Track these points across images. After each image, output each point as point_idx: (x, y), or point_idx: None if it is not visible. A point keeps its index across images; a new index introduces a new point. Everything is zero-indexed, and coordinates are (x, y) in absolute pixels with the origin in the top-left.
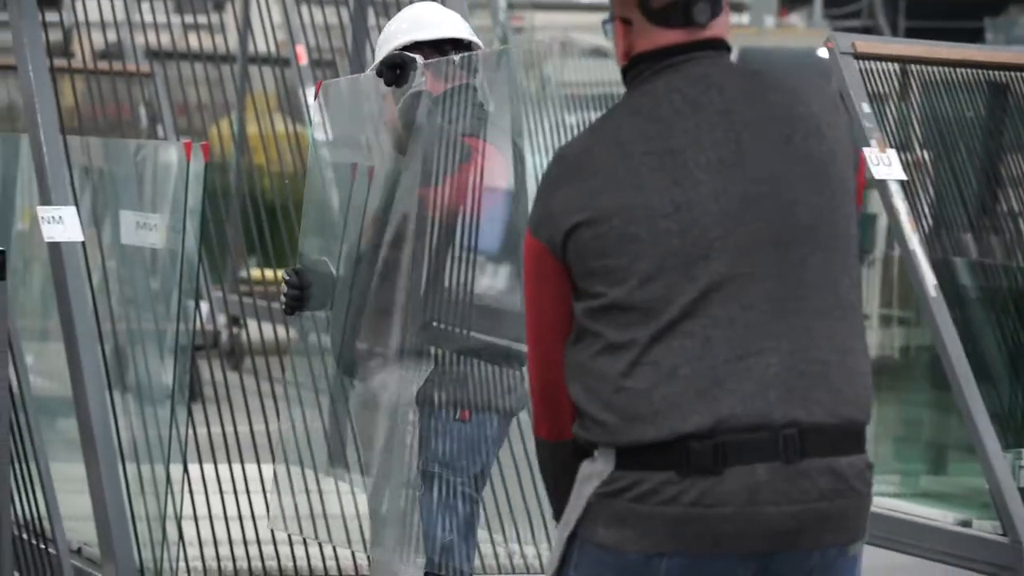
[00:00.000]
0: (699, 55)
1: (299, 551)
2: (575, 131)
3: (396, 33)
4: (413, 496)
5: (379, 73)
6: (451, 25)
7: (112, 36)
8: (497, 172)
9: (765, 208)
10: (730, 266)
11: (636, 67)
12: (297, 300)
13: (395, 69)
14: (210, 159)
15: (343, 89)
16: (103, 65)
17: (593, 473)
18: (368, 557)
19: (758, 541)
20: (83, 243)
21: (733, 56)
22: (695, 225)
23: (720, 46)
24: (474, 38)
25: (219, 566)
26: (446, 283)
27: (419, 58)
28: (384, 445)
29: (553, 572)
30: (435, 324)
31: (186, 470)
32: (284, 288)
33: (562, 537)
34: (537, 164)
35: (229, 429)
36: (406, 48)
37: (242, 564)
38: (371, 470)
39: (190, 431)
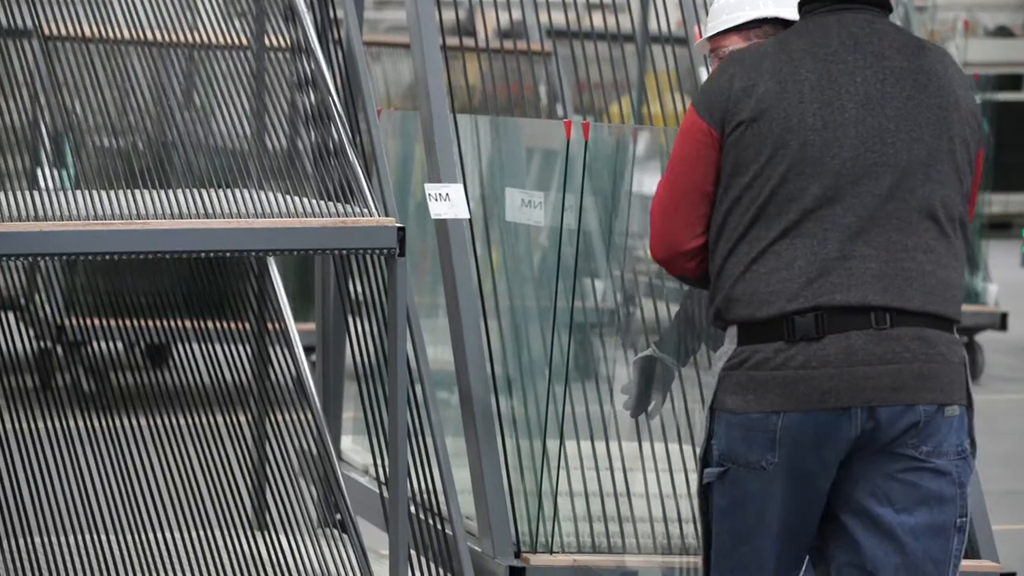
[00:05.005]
0: (867, 7)
1: (674, 529)
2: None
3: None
4: None
5: None
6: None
7: (513, 15)
8: None
9: (892, 143)
10: (854, 182)
11: (811, 3)
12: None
13: None
14: (593, 137)
15: None
16: (505, 44)
17: (721, 354)
18: None
19: (858, 395)
20: (469, 220)
21: None
22: (835, 143)
23: (884, 5)
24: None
25: (593, 542)
26: None
27: None
28: None
29: (703, 444)
30: None
31: (563, 446)
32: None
33: (706, 415)
34: None
35: (608, 409)
36: (766, 19)
37: (616, 540)
38: None
39: (580, 408)
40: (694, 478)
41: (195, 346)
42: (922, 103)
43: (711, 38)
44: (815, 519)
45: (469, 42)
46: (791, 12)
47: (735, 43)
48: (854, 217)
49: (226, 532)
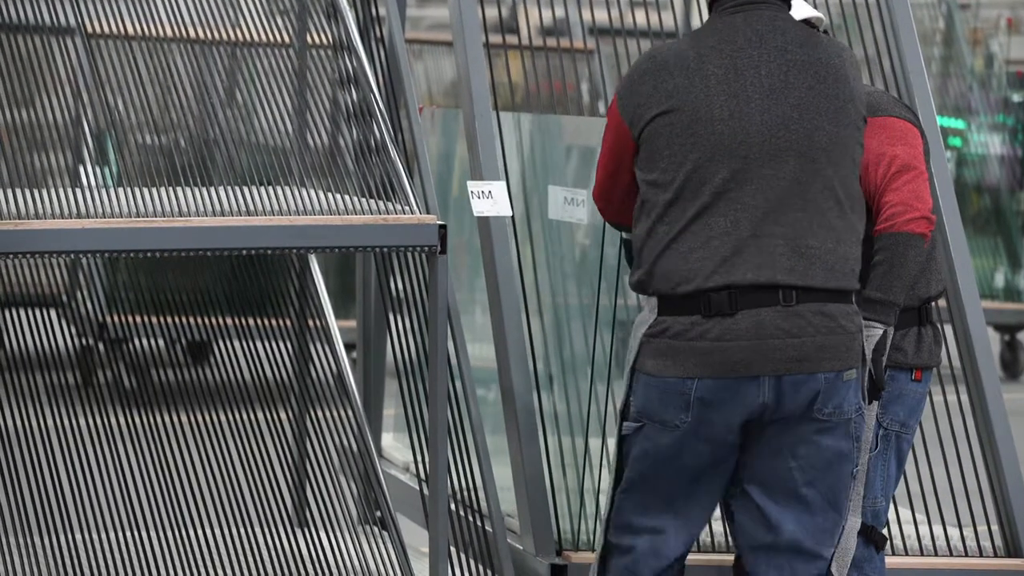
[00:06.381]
0: (770, 5)
1: (717, 527)
2: (1021, 110)
3: None
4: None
5: None
6: (804, 8)
7: (555, 13)
8: None
9: (795, 129)
10: (760, 166)
11: (720, 2)
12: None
13: None
14: None
15: None
16: (547, 42)
17: (642, 322)
18: None
19: (766, 366)
20: (512, 217)
21: None
22: (741, 131)
23: (785, 1)
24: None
25: None
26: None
27: None
28: None
29: (623, 399)
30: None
31: (604, 443)
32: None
33: (627, 373)
34: (982, 140)
35: None
36: None
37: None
38: None
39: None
40: None
41: (236, 343)
42: (822, 93)
43: None
44: (724, 472)
45: (512, 39)
46: (800, 13)
47: None
48: (762, 199)
49: (266, 529)
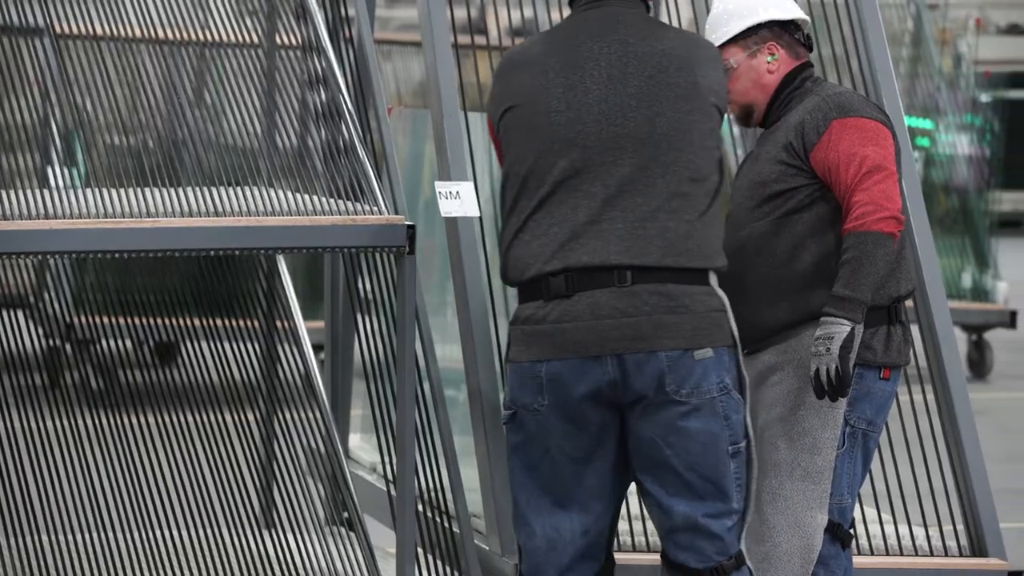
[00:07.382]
0: (617, 2)
1: None
2: (989, 111)
3: (757, 8)
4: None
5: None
6: (792, 9)
7: (524, 13)
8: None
9: (634, 117)
10: (600, 154)
11: (574, 4)
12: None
13: None
14: None
15: None
16: (516, 42)
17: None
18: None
19: (605, 345)
20: (480, 218)
21: None
22: (579, 121)
23: None
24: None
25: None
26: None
27: None
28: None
29: (505, 390)
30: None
31: None
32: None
33: (504, 365)
34: (950, 140)
35: None
36: (760, 25)
37: (625, 540)
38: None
39: None
40: None
41: (204, 344)
42: (662, 82)
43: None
44: (605, 456)
45: (480, 40)
46: (779, 12)
47: (735, 54)
48: (601, 186)
49: (233, 530)
